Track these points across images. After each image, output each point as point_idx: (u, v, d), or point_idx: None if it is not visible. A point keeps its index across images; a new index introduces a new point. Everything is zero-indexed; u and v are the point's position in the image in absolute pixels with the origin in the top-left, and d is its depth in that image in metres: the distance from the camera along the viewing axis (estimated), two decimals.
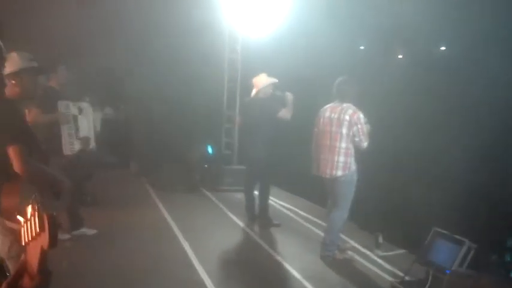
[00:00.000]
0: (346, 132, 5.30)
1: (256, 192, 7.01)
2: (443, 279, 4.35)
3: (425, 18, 8.60)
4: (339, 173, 5.37)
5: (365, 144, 5.33)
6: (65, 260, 4.24)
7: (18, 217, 1.58)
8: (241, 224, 6.93)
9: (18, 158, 2.78)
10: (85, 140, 5.93)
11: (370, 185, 6.49)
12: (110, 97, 10.08)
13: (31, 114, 5.08)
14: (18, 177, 2.79)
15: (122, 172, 9.69)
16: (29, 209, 1.53)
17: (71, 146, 5.76)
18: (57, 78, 5.81)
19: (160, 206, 7.66)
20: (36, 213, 1.50)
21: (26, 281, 1.57)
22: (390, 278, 5.11)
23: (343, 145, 5.34)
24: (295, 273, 5.17)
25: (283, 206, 7.90)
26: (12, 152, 2.78)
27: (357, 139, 5.30)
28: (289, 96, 6.54)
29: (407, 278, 4.86)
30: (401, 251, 5.84)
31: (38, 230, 1.48)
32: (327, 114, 5.48)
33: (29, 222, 1.52)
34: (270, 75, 6.70)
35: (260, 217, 6.85)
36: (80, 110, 6.02)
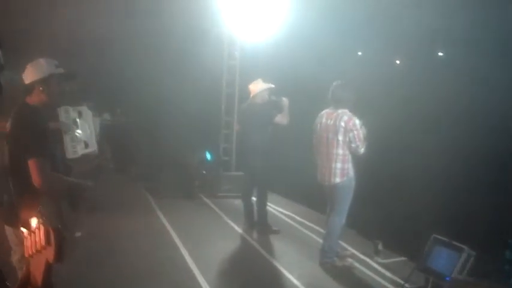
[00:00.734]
0: (342, 139, 5.28)
1: (254, 199, 7.00)
2: (443, 287, 4.34)
3: (423, 24, 8.63)
4: (337, 179, 5.37)
5: (362, 150, 5.31)
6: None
7: (22, 229, 1.57)
8: (239, 230, 6.91)
9: (37, 171, 2.77)
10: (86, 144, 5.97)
11: (369, 192, 6.50)
12: (108, 103, 10.07)
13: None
14: (38, 188, 2.79)
15: (120, 178, 9.66)
16: (34, 221, 1.52)
17: (73, 150, 5.79)
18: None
19: (159, 212, 7.64)
20: (42, 226, 1.49)
21: None
22: (390, 286, 5.10)
23: (340, 151, 5.32)
24: (294, 281, 5.16)
25: (282, 213, 7.88)
26: (31, 166, 2.78)
27: (353, 145, 5.28)
28: (285, 101, 6.53)
29: (407, 285, 4.85)
30: (401, 258, 5.82)
31: (43, 243, 1.48)
32: (323, 120, 5.47)
33: (33, 234, 1.51)
34: (266, 80, 6.69)
35: (259, 223, 6.83)
36: (80, 114, 6.08)
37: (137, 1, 9.26)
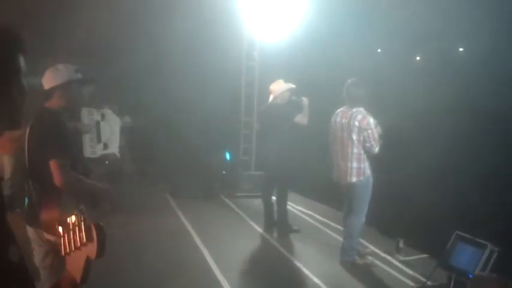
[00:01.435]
0: (356, 138, 5.25)
1: (274, 198, 6.99)
2: (466, 284, 4.28)
3: (442, 19, 8.52)
4: (354, 179, 5.34)
5: (376, 149, 5.27)
6: None
7: (58, 228, 1.60)
8: (260, 230, 6.92)
9: (59, 172, 2.82)
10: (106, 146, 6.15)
11: (390, 189, 6.44)
12: (129, 106, 10.16)
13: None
14: (58, 189, 2.83)
15: (140, 179, 9.74)
16: (72, 220, 1.55)
17: (92, 149, 5.99)
18: (87, 89, 6.05)
19: (179, 213, 7.69)
20: (82, 223, 1.52)
21: None
22: (412, 283, 5.06)
23: (355, 151, 5.29)
24: (315, 279, 5.15)
25: (302, 212, 7.86)
26: (53, 166, 2.83)
27: (367, 144, 5.25)
28: (305, 101, 6.52)
29: (429, 283, 4.80)
30: (423, 255, 5.76)
31: (84, 240, 1.51)
32: (338, 119, 5.44)
33: (71, 233, 1.54)
34: (287, 80, 6.69)
35: (279, 223, 6.81)
36: (103, 116, 6.29)
37: (157, 4, 9.33)
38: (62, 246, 1.57)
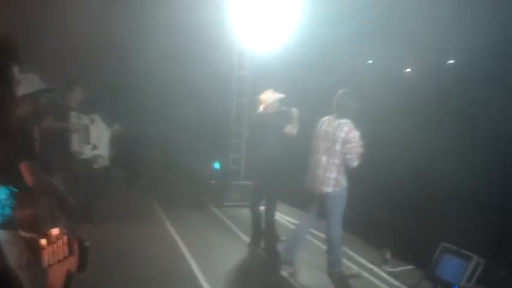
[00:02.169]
0: (340, 149, 5.22)
1: (262, 208, 6.97)
2: None
3: (433, 31, 8.58)
4: (329, 189, 5.30)
5: (355, 163, 5.23)
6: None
7: (42, 240, 1.60)
8: (247, 240, 6.89)
9: (31, 173, 2.97)
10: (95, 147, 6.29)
11: (377, 200, 6.45)
12: (119, 114, 10.15)
13: (44, 122, 5.32)
14: (30, 188, 2.96)
15: (129, 188, 9.70)
16: (55, 232, 1.55)
17: (80, 150, 6.11)
18: (74, 98, 6.27)
19: (167, 222, 7.64)
20: (65, 237, 1.53)
21: None
22: None
23: (336, 161, 5.26)
24: None
25: (290, 222, 7.84)
26: (24, 168, 2.97)
27: (348, 156, 5.21)
28: (294, 111, 6.51)
29: None
30: (409, 266, 5.76)
31: (66, 253, 1.52)
32: (323, 127, 5.42)
33: (54, 245, 1.55)
34: (277, 90, 6.68)
35: (267, 233, 6.79)
36: (92, 121, 6.41)
37: (147, 13, 9.34)
38: (45, 258, 1.58)
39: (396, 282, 5.35)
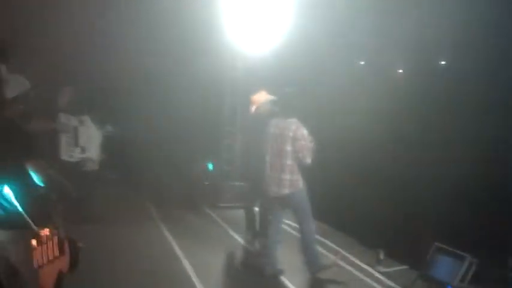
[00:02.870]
0: (291, 149, 5.20)
1: (256, 209, 6.97)
2: None
3: (425, 31, 8.61)
4: (286, 191, 5.26)
5: (309, 160, 5.19)
6: None
7: (32, 241, 1.59)
8: (241, 240, 6.88)
9: (41, 169, 2.99)
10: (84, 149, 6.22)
11: (371, 200, 6.46)
12: (111, 115, 10.11)
13: (32, 122, 5.29)
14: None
15: (122, 188, 9.66)
16: (45, 233, 1.54)
17: (69, 153, 6.01)
18: (63, 99, 6.19)
19: (160, 222, 7.63)
20: (56, 237, 1.52)
21: None
22: None
23: (289, 162, 5.22)
24: None
25: (284, 223, 7.82)
26: (34, 166, 2.98)
27: (300, 155, 5.18)
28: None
29: None
30: (403, 267, 5.77)
31: (57, 253, 1.50)
32: (272, 129, 5.40)
33: (45, 246, 1.53)
34: (270, 90, 6.68)
35: (260, 233, 6.78)
36: (81, 122, 6.33)
37: (141, 16, 9.33)
38: (36, 259, 1.56)
39: (390, 283, 5.36)
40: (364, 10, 8.94)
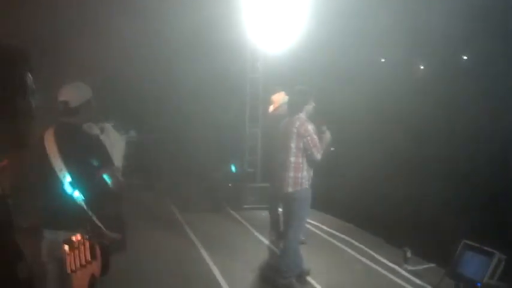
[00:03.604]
0: (295, 146, 5.00)
1: (280, 210, 6.97)
2: None
3: (446, 27, 8.54)
4: (290, 189, 5.04)
5: (318, 156, 5.00)
6: None
7: (65, 246, 1.63)
8: (266, 241, 6.89)
9: (115, 178, 3.22)
10: None
11: (396, 198, 6.42)
12: (134, 120, 10.22)
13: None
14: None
15: (147, 193, 9.75)
16: (77, 238, 1.58)
17: None
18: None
19: (186, 226, 7.68)
20: (87, 242, 1.56)
21: None
22: None
23: (292, 159, 5.01)
24: None
25: (308, 223, 7.82)
26: (109, 174, 3.19)
27: (308, 152, 4.99)
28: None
29: None
30: (431, 265, 5.73)
31: (89, 258, 1.55)
32: (281, 128, 5.28)
33: (77, 251, 1.57)
34: (288, 92, 6.69)
35: (285, 234, 6.78)
36: (102, 130, 6.36)
37: (159, 18, 9.39)
38: (68, 264, 1.60)
39: (418, 281, 5.32)
40: (383, 8, 8.90)
